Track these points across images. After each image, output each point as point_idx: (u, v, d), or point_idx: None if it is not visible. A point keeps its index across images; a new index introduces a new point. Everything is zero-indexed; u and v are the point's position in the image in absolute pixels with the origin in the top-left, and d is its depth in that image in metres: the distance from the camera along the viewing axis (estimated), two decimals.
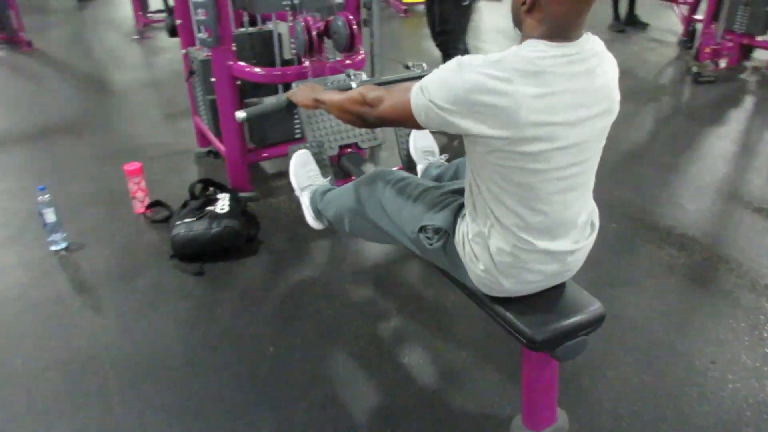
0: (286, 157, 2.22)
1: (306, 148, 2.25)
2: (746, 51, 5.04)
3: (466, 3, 3.42)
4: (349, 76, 2.06)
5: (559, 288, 1.59)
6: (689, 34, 5.53)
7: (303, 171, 2.16)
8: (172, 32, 3.30)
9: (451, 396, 1.86)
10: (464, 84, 1.23)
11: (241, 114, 2.01)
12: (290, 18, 2.67)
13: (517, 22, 1.33)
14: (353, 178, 2.24)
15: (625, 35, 6.11)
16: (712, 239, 2.67)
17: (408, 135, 2.32)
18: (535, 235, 1.39)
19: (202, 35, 2.63)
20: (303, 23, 2.45)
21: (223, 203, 2.54)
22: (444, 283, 1.65)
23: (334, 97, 1.64)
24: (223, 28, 2.58)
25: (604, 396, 1.86)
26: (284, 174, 2.43)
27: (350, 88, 2.12)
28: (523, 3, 1.26)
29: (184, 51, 3.12)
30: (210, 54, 2.74)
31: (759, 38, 4.74)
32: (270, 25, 3.02)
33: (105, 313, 2.20)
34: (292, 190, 2.16)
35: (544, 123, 1.24)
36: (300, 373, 1.93)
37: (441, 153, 2.22)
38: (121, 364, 1.96)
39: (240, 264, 2.45)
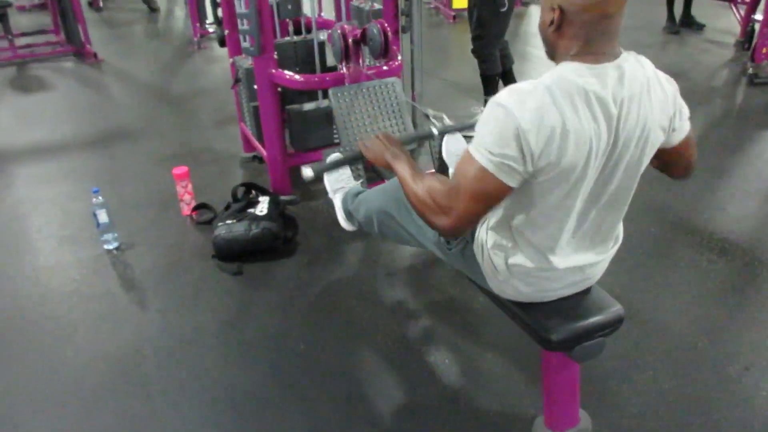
0: None
1: (340, 152, 2.33)
2: None
3: (504, 9, 3.42)
4: (428, 117, 1.95)
5: (580, 291, 1.59)
6: (747, 35, 5.35)
7: (336, 174, 2.23)
8: (222, 42, 3.44)
9: (475, 395, 1.89)
10: (522, 125, 1.17)
11: (308, 172, 1.96)
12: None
13: (550, 49, 1.29)
14: (385, 181, 2.30)
15: (679, 37, 5.95)
16: (755, 244, 2.59)
17: (441, 138, 2.36)
18: (560, 254, 1.39)
19: (246, 44, 2.75)
20: (339, 31, 2.53)
21: (262, 206, 2.64)
22: (473, 286, 1.69)
23: (406, 176, 1.46)
24: (265, 37, 2.68)
25: (630, 400, 1.85)
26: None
27: (431, 134, 2.14)
28: (551, 23, 1.22)
29: (231, 60, 3.26)
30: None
31: None
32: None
33: (149, 309, 2.33)
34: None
35: (584, 150, 1.21)
36: (329, 369, 2.00)
37: None
38: (163, 356, 2.08)
39: (277, 264, 2.55)
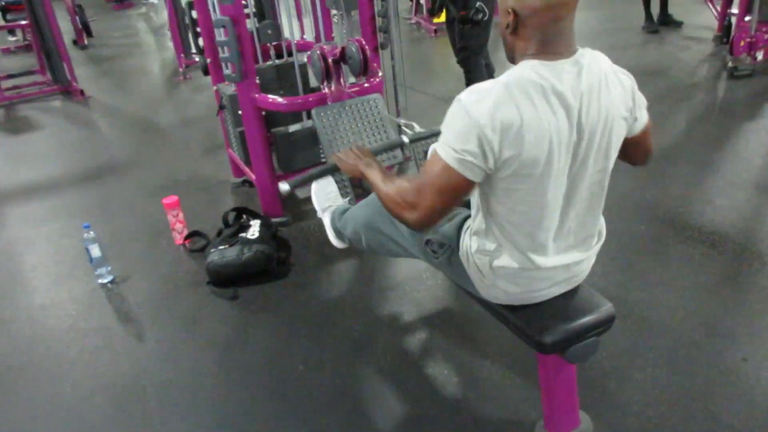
0: None
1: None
2: None
3: (485, 18, 3.47)
4: (399, 126, 2.03)
5: (570, 290, 1.60)
6: (725, 29, 5.40)
7: (323, 193, 2.25)
8: (205, 70, 3.47)
9: (476, 404, 1.89)
10: (480, 121, 1.23)
11: (284, 186, 2.03)
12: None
13: (509, 51, 1.35)
14: None
15: (658, 36, 6.02)
16: (745, 235, 2.61)
17: (427, 148, 2.38)
18: (544, 253, 1.42)
19: (228, 71, 2.77)
20: (319, 52, 2.56)
21: (254, 229, 2.65)
22: (467, 296, 1.70)
23: (378, 181, 1.55)
24: (246, 63, 2.71)
25: (631, 398, 1.85)
26: None
27: (402, 143, 2.19)
28: (507, 26, 1.29)
29: (215, 87, 3.29)
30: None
31: None
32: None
33: (147, 340, 2.33)
34: None
35: (547, 143, 1.25)
36: (329, 388, 2.00)
37: None
38: (162, 386, 2.07)
39: (272, 286, 2.55)
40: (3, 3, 7.48)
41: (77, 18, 8.11)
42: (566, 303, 1.56)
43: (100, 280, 2.66)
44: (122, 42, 8.01)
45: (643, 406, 1.82)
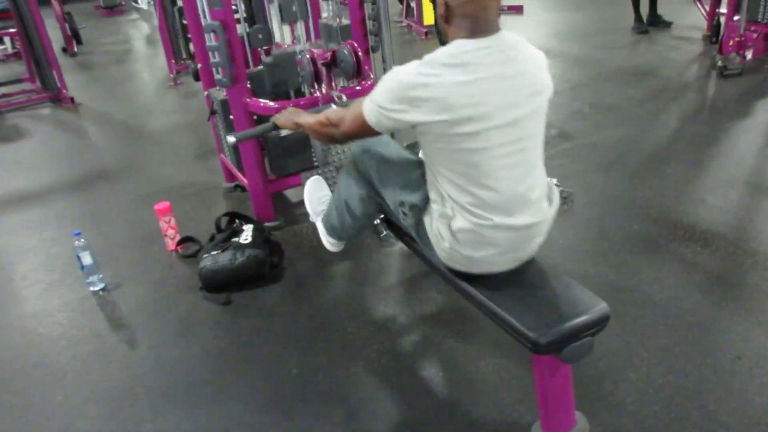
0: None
1: (319, 174, 2.34)
2: None
3: None
4: (336, 101, 2.32)
5: (562, 288, 1.60)
6: (714, 29, 5.44)
7: (316, 197, 2.25)
8: (196, 76, 3.46)
9: (472, 405, 1.88)
10: (401, 85, 1.46)
11: (231, 138, 2.19)
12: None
13: (444, 39, 1.55)
14: None
15: (648, 36, 6.05)
16: (738, 233, 2.62)
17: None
18: (490, 210, 1.52)
19: (219, 76, 2.76)
20: (309, 56, 2.55)
21: (247, 234, 2.63)
22: (461, 298, 1.70)
23: (310, 120, 1.86)
24: (236, 67, 2.71)
25: (626, 398, 1.85)
26: None
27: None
28: (441, 16, 1.50)
29: (206, 93, 3.28)
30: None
31: None
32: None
33: (140, 347, 2.31)
34: None
35: (475, 104, 1.42)
36: (324, 392, 1.99)
37: None
38: (155, 393, 2.06)
39: (266, 291, 2.54)
40: None
41: (66, 25, 8.07)
42: (560, 303, 1.56)
43: (91, 288, 2.64)
44: (112, 49, 7.98)
45: (639, 405, 1.82)
